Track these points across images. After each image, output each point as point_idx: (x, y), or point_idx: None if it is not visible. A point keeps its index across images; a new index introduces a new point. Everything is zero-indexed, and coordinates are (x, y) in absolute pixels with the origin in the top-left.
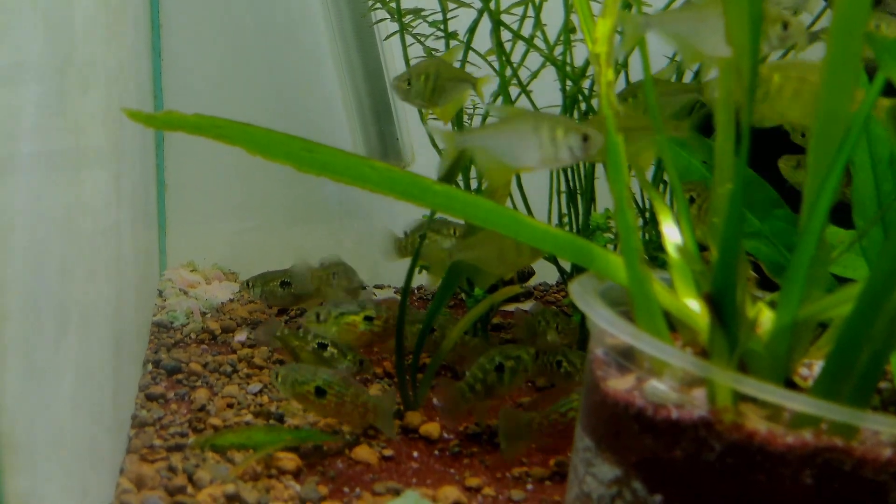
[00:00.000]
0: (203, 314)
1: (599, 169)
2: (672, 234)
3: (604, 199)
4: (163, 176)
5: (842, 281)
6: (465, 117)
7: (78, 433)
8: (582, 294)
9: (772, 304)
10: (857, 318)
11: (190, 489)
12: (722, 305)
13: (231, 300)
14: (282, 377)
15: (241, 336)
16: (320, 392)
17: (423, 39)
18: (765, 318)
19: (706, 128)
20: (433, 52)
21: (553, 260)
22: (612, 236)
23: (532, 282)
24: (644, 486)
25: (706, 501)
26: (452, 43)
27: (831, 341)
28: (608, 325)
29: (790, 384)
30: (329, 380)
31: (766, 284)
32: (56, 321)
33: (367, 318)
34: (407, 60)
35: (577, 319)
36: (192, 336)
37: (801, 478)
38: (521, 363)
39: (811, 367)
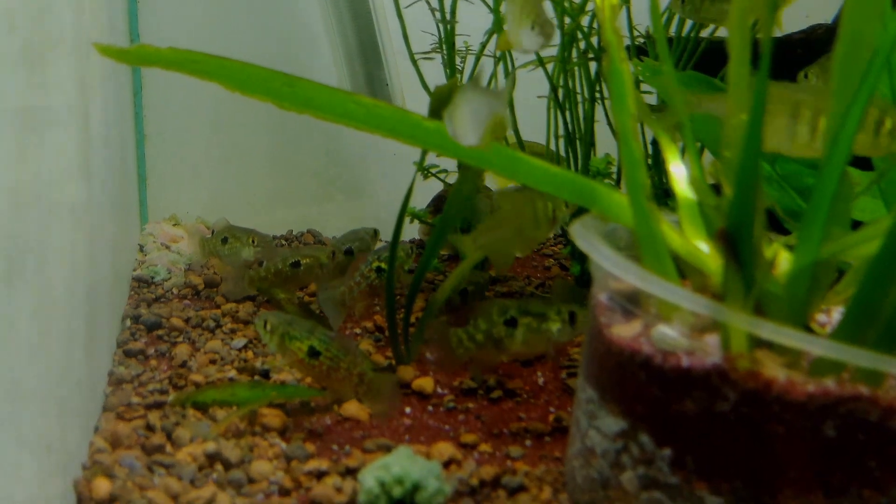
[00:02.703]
0: (186, 269)
1: (599, 112)
2: (680, 171)
3: (603, 144)
4: (142, 126)
5: (857, 226)
6: (458, 59)
7: (39, 387)
8: (584, 235)
9: (788, 248)
10: (885, 256)
11: (169, 448)
12: (737, 243)
13: None
14: (271, 325)
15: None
16: (313, 353)
17: None
18: (782, 258)
19: (707, 66)
20: None
21: None
22: (612, 182)
23: None
24: (652, 439)
25: (719, 455)
26: None
27: (852, 285)
28: (613, 267)
29: (808, 330)
30: (326, 340)
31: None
32: (7, 261)
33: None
34: None
35: (575, 270)
36: (174, 291)
37: (822, 429)
38: (543, 323)
39: (829, 314)
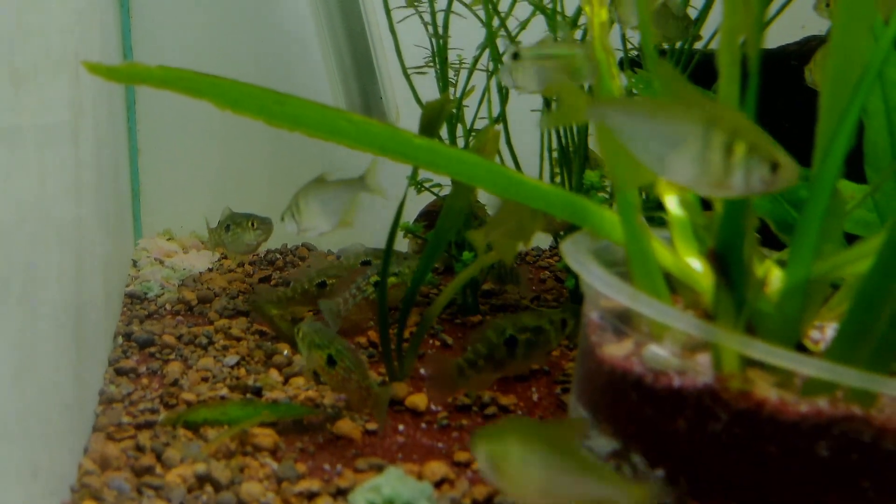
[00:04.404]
0: (179, 284)
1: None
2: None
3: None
4: (135, 140)
5: (851, 239)
6: (451, 72)
7: (25, 410)
8: (575, 253)
9: (780, 263)
10: (878, 274)
11: (158, 469)
12: (728, 262)
13: (209, 269)
14: (303, 333)
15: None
16: (331, 362)
17: None
18: (774, 276)
19: (699, 79)
20: (415, 4)
21: None
22: (606, 196)
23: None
24: (644, 459)
25: (712, 476)
26: None
27: (845, 300)
28: (603, 286)
29: (801, 348)
30: (342, 351)
31: (768, 243)
32: None
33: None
34: (388, 10)
35: (570, 284)
36: (167, 307)
37: (815, 449)
38: (540, 336)
39: (822, 330)
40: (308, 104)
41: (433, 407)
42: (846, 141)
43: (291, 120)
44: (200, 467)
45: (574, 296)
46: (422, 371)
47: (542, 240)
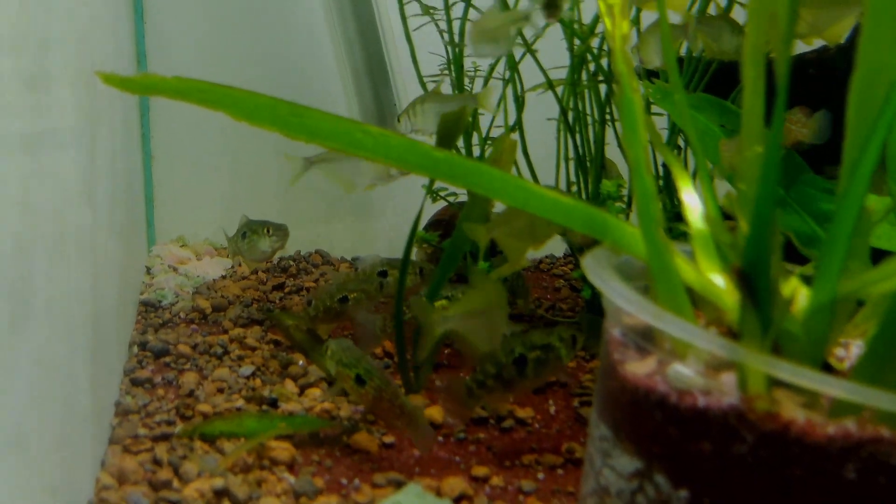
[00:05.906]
0: (193, 292)
1: (610, 135)
2: (693, 201)
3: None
4: (149, 147)
5: (875, 253)
6: (467, 80)
7: (44, 428)
8: (596, 268)
9: (804, 279)
10: None
11: (176, 483)
12: (754, 281)
13: (223, 277)
14: (331, 351)
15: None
16: (360, 381)
17: None
18: (800, 294)
19: (718, 88)
20: (431, 11)
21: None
22: (623, 206)
23: (539, 254)
24: (668, 480)
25: (737, 498)
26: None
27: (870, 318)
28: (625, 303)
29: (826, 368)
30: (370, 370)
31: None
32: (13, 304)
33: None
34: (404, 18)
35: (586, 294)
36: (182, 315)
37: (843, 472)
38: (550, 353)
39: (847, 348)
40: (324, 116)
41: (450, 420)
42: (874, 157)
43: (308, 132)
44: (218, 482)
45: (590, 305)
46: (437, 383)
47: (556, 247)
